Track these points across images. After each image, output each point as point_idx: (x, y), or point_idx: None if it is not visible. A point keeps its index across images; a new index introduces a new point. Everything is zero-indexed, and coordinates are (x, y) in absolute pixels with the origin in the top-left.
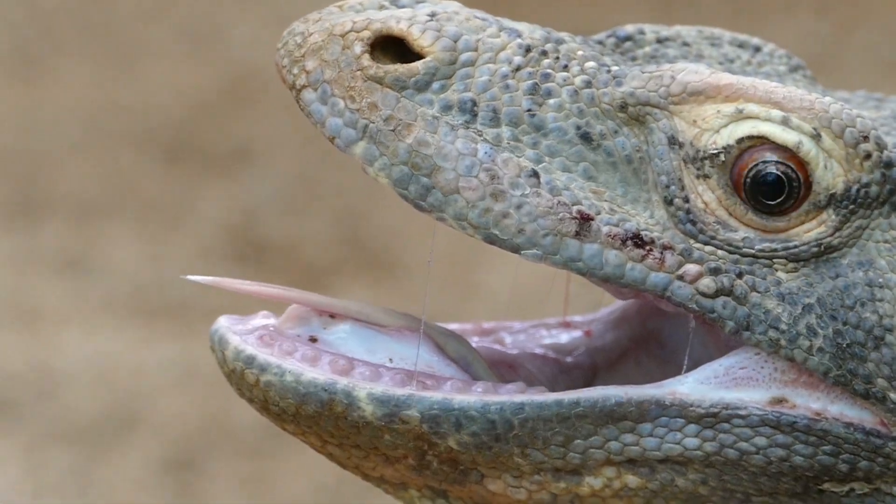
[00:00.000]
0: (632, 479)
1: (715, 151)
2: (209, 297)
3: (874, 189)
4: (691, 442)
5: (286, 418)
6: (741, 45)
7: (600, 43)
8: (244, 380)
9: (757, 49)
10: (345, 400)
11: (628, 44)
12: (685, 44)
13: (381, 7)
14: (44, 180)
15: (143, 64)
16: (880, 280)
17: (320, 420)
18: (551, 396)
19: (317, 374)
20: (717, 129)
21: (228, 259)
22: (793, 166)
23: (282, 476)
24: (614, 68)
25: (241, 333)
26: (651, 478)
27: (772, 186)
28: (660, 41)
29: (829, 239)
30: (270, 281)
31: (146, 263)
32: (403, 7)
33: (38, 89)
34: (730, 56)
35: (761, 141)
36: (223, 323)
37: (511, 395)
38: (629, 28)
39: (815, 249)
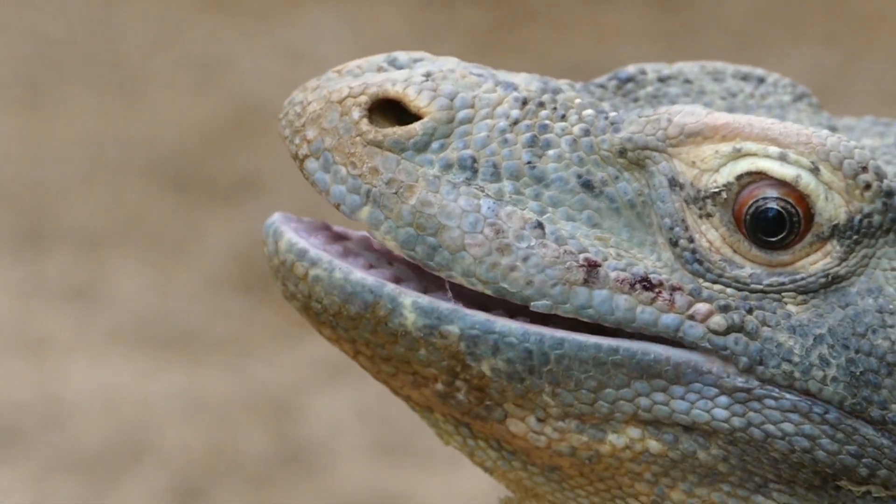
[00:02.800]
0: (654, 445)
1: (716, 190)
2: (216, 327)
3: (877, 218)
4: (720, 413)
5: (325, 319)
6: (745, 78)
7: (602, 86)
8: (292, 272)
9: (761, 80)
10: (389, 304)
11: (630, 85)
12: (687, 81)
13: (380, 69)
14: (51, 210)
15: (149, 95)
16: (890, 306)
17: (360, 323)
18: (592, 339)
19: (366, 275)
20: (717, 169)
21: (235, 288)
22: (792, 201)
23: None
24: (612, 114)
25: (297, 230)
26: (674, 446)
27: (772, 222)
28: (661, 80)
29: (836, 269)
30: (277, 312)
31: (153, 293)
32: (401, 68)
33: (44, 120)
34: (732, 90)
35: (760, 176)
36: (279, 217)
37: (552, 330)
38: (630, 69)
39: (823, 280)
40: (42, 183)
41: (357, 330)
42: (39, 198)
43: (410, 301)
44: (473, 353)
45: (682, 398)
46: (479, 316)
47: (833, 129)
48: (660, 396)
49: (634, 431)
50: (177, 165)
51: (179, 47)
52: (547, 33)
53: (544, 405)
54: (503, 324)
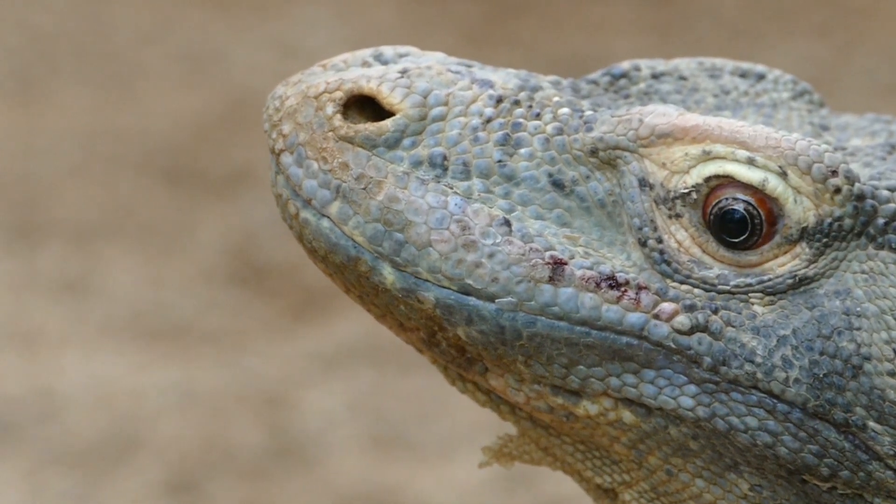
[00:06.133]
0: (627, 416)
1: (685, 191)
2: (209, 320)
3: (848, 222)
4: (686, 401)
5: (316, 257)
6: (743, 75)
7: (594, 82)
8: (286, 209)
9: (760, 77)
10: (370, 263)
11: (623, 81)
12: (681, 77)
13: (365, 64)
14: (43, 204)
15: (141, 88)
16: (857, 309)
17: (345, 271)
18: (563, 321)
19: None
20: (687, 170)
21: (228, 281)
22: (754, 203)
23: (283, 498)
24: (587, 113)
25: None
26: (646, 419)
27: (737, 224)
28: (654, 77)
29: (804, 271)
30: (270, 305)
31: (145, 286)
32: (387, 63)
33: (36, 113)
34: (726, 88)
35: (728, 180)
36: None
37: None
38: (625, 65)
39: (791, 281)
40: (34, 176)
41: (344, 275)
42: (31, 191)
43: (389, 263)
44: (449, 320)
45: (652, 382)
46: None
47: (825, 128)
48: (630, 378)
49: (608, 402)
50: (169, 158)
51: (171, 40)
52: (539, 26)
53: (518, 371)
54: (477, 299)
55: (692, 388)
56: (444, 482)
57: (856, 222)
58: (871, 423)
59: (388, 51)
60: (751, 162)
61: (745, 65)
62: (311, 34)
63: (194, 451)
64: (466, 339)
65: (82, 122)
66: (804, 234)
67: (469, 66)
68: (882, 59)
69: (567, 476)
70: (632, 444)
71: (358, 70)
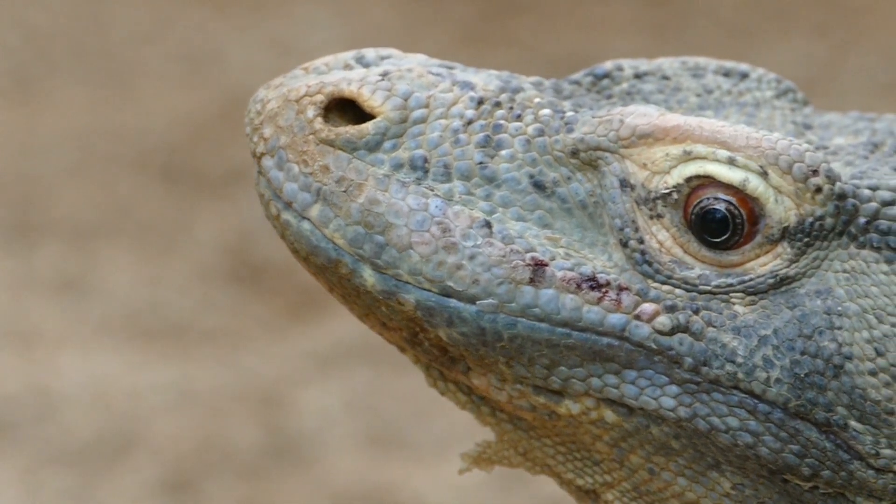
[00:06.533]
0: (609, 415)
1: (666, 191)
2: (206, 319)
3: (829, 221)
4: (667, 402)
5: (299, 257)
6: (727, 74)
7: (577, 83)
8: (268, 210)
9: (744, 76)
10: (350, 265)
11: (605, 81)
12: (664, 77)
13: (347, 66)
14: (40, 203)
15: (139, 87)
16: (839, 308)
17: (326, 272)
18: (545, 323)
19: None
20: (667, 171)
21: (225, 281)
22: (735, 203)
23: (280, 497)
24: (568, 114)
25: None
26: (628, 418)
27: (719, 224)
28: (637, 77)
29: (785, 270)
30: (267, 304)
31: (143, 285)
32: (369, 65)
33: (33, 112)
34: (709, 87)
35: (709, 180)
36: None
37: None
38: (607, 65)
39: (772, 281)
40: (31, 175)
41: (325, 277)
42: (29, 190)
43: (370, 266)
44: (430, 322)
45: (633, 383)
46: (436, 288)
47: (808, 126)
48: (612, 379)
49: (590, 401)
50: (167, 157)
51: (169, 39)
52: (536, 25)
53: (500, 372)
54: (457, 301)
55: (673, 389)
56: (441, 481)
57: (837, 221)
58: (853, 423)
59: (369, 53)
60: (731, 162)
61: (729, 63)
62: (308, 34)
63: (191, 449)
64: (448, 340)
65: (80, 121)
66: (785, 234)
67: (450, 68)
68: (880, 59)
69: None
70: (614, 443)
71: (339, 73)
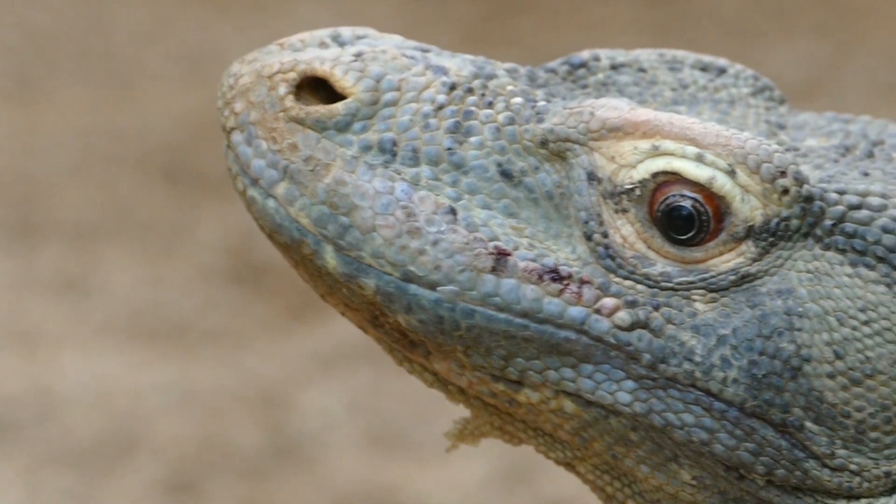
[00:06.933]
0: (568, 405)
1: (631, 186)
2: (208, 319)
3: (795, 222)
4: (623, 396)
5: (264, 233)
6: (704, 68)
7: (552, 71)
8: (235, 184)
9: (721, 71)
10: (313, 246)
11: (581, 71)
12: (641, 69)
13: (322, 44)
14: (41, 203)
15: (140, 87)
16: (799, 309)
17: (289, 251)
18: (503, 313)
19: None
20: (634, 165)
21: (227, 281)
22: (702, 200)
23: (281, 498)
24: (540, 104)
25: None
26: (587, 409)
27: (684, 221)
28: (614, 68)
29: (747, 268)
30: (269, 304)
31: (144, 285)
32: (344, 44)
33: (35, 112)
34: (685, 82)
35: (675, 177)
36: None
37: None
38: (584, 54)
39: (733, 278)
40: (33, 175)
41: (288, 254)
42: (30, 190)
43: (332, 247)
44: (389, 307)
45: (590, 377)
46: (396, 274)
47: (782, 126)
48: (568, 372)
49: (548, 391)
50: (168, 158)
51: (171, 39)
52: (538, 24)
53: (459, 360)
54: (416, 286)
55: (630, 384)
56: (443, 481)
57: (803, 223)
58: (809, 424)
59: (346, 32)
60: (699, 159)
61: (707, 58)
62: (307, 32)
63: (193, 450)
64: (407, 325)
65: (81, 121)
66: (750, 233)
67: (425, 51)
68: (882, 59)
69: (567, 476)
70: (575, 432)
71: (314, 51)
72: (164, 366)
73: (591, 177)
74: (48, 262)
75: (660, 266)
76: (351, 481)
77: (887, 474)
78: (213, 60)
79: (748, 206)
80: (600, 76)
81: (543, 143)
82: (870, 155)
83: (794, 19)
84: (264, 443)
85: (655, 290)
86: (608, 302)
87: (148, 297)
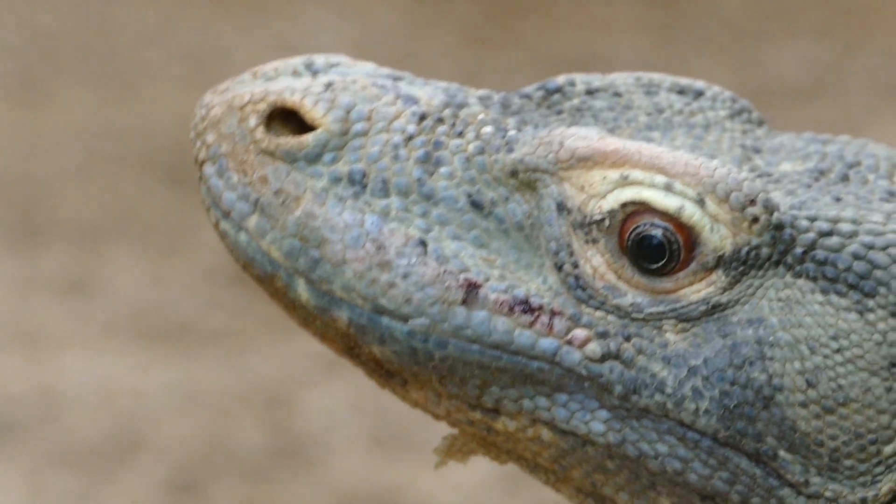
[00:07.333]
0: (546, 433)
1: (601, 216)
2: (211, 320)
3: (765, 251)
4: (597, 427)
5: (237, 263)
6: (681, 91)
7: (527, 97)
8: (209, 216)
9: (699, 94)
10: (285, 279)
11: (556, 96)
12: (616, 94)
13: (295, 73)
14: (45, 204)
15: (144, 87)
16: (771, 338)
17: (263, 283)
18: (475, 345)
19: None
20: (604, 195)
21: (230, 281)
22: (672, 229)
23: (285, 498)
24: (510, 133)
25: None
26: (563, 438)
27: (655, 250)
28: (589, 93)
29: (718, 297)
30: (272, 305)
31: (148, 286)
32: (317, 72)
33: (39, 113)
34: (661, 106)
35: (644, 206)
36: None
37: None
38: (560, 80)
39: (704, 308)
40: (37, 176)
41: (263, 285)
42: (34, 190)
43: (304, 281)
44: (363, 339)
45: (564, 406)
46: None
47: (757, 150)
48: (543, 401)
49: (525, 420)
50: (172, 158)
51: (174, 40)
52: (541, 26)
53: (435, 389)
54: (389, 319)
55: (604, 414)
56: (446, 482)
57: (774, 251)
58: (782, 453)
59: (319, 60)
60: (668, 188)
61: (684, 81)
62: (313, 34)
63: (197, 451)
64: (381, 356)
65: (85, 121)
66: (720, 262)
67: (397, 80)
68: (884, 59)
69: None
70: (553, 459)
71: (286, 80)
72: (168, 366)
73: (561, 207)
74: (51, 262)
75: (630, 297)
76: (354, 482)
77: (863, 500)
78: (217, 61)
79: (718, 236)
80: (575, 101)
81: (513, 174)
82: (844, 178)
83: (797, 19)
84: (268, 443)
85: (626, 320)
86: (579, 333)
87: (151, 298)
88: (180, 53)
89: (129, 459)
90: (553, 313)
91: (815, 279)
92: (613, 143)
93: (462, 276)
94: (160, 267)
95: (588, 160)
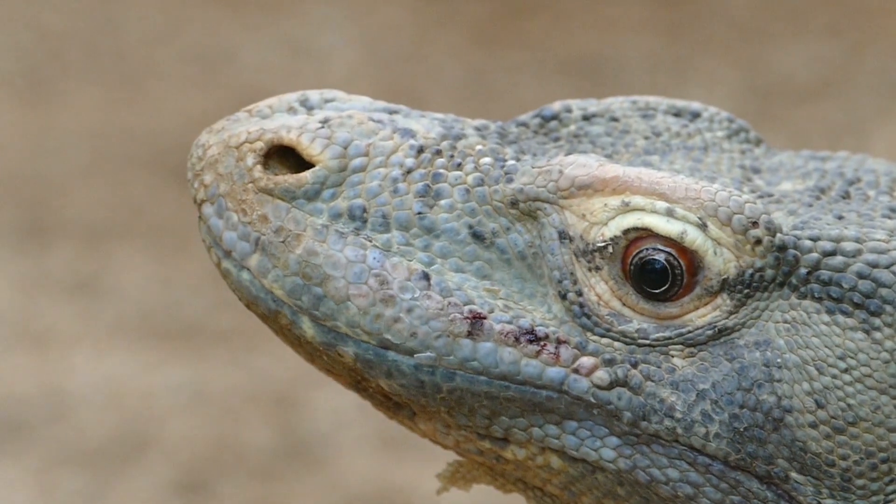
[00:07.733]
0: (555, 461)
1: (603, 244)
2: (219, 320)
3: (769, 272)
4: (608, 453)
5: (241, 302)
6: (678, 114)
7: (524, 125)
8: (210, 256)
9: (695, 115)
10: (290, 317)
11: (553, 123)
12: (613, 119)
13: (290, 109)
14: (54, 203)
15: (151, 87)
16: (778, 360)
17: (268, 321)
18: (483, 376)
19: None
20: (605, 222)
21: None
22: (675, 254)
23: (293, 498)
24: (509, 163)
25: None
26: (573, 465)
27: (658, 275)
28: (585, 118)
29: (724, 321)
30: None
31: (156, 286)
32: (312, 108)
33: (47, 113)
34: (658, 129)
35: (647, 232)
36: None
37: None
38: (556, 106)
39: (710, 333)
40: (45, 176)
41: (268, 323)
42: (42, 190)
43: (308, 318)
44: (369, 373)
45: (574, 434)
46: (374, 341)
47: (757, 170)
48: (552, 429)
49: (534, 448)
50: (180, 158)
51: (182, 40)
52: (549, 26)
53: (443, 420)
54: (395, 353)
55: (613, 440)
56: None
57: (778, 272)
58: (794, 475)
59: (314, 96)
60: (670, 213)
61: (680, 103)
62: (321, 34)
63: (204, 450)
64: (389, 389)
65: (93, 121)
66: (725, 286)
67: (393, 113)
68: (892, 59)
69: None
70: (563, 486)
71: (282, 117)
72: (176, 366)
73: (563, 235)
74: (60, 262)
75: (636, 323)
76: (362, 481)
77: None
78: (225, 61)
79: (721, 259)
80: (572, 127)
81: (514, 204)
82: (845, 196)
83: (806, 19)
84: (276, 443)
85: (633, 346)
86: (586, 361)
87: (159, 298)
88: (188, 53)
89: (136, 459)
90: (559, 342)
91: (820, 299)
92: (613, 169)
93: (466, 308)
94: (168, 267)
95: (588, 188)
